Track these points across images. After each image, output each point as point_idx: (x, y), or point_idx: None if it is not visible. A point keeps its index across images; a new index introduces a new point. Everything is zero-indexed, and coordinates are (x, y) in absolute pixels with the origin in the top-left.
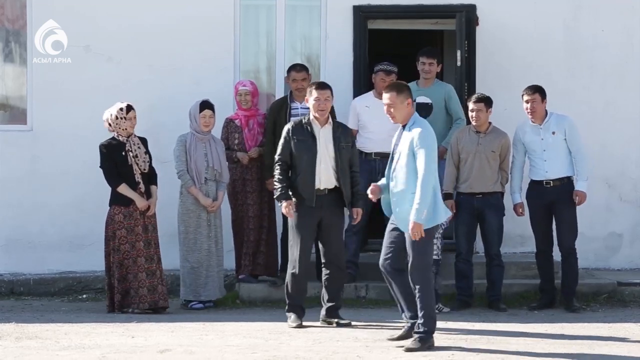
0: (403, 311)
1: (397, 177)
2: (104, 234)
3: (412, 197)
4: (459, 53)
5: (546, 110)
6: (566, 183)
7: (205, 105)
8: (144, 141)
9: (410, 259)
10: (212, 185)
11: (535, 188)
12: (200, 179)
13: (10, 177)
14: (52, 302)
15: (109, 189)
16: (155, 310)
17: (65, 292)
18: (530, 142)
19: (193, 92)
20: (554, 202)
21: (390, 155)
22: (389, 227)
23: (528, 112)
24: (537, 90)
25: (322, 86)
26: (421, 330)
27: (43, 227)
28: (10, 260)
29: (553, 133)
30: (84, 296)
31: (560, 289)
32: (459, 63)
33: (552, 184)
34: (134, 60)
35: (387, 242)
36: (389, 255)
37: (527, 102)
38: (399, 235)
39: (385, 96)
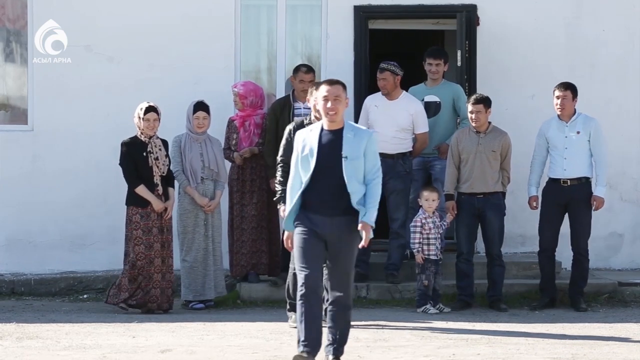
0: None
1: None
2: (124, 233)
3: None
4: (459, 53)
5: (575, 109)
6: (584, 184)
7: (199, 106)
8: (165, 144)
9: (346, 271)
10: (210, 185)
11: (553, 186)
12: (197, 179)
13: (11, 177)
14: (53, 302)
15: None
16: (151, 310)
17: (66, 292)
18: (552, 138)
19: (193, 91)
20: (570, 202)
21: (318, 159)
22: (307, 236)
23: (558, 108)
24: (569, 88)
25: None
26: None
27: (44, 227)
28: (11, 260)
29: (578, 132)
30: (85, 296)
31: (568, 289)
32: (459, 63)
33: (569, 183)
34: (134, 59)
35: (315, 255)
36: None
37: (557, 97)
38: (322, 245)
39: (331, 89)
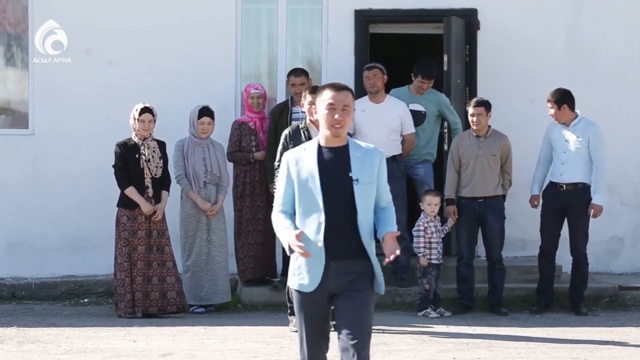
0: None
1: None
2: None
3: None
4: (452, 58)
5: (577, 114)
6: (580, 189)
7: (205, 112)
8: (161, 145)
9: (362, 331)
10: (212, 189)
11: (551, 190)
12: (199, 183)
13: (12, 181)
14: (53, 306)
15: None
16: (148, 315)
17: (66, 296)
18: (554, 140)
19: (194, 95)
20: (567, 206)
21: (322, 186)
22: (307, 298)
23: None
24: (555, 99)
25: (316, 90)
26: None
27: (45, 231)
28: (11, 263)
29: (577, 137)
30: (86, 300)
31: (568, 293)
32: (456, 67)
33: (565, 188)
34: (134, 62)
35: (321, 327)
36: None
37: (549, 111)
38: (327, 307)
39: (338, 95)
